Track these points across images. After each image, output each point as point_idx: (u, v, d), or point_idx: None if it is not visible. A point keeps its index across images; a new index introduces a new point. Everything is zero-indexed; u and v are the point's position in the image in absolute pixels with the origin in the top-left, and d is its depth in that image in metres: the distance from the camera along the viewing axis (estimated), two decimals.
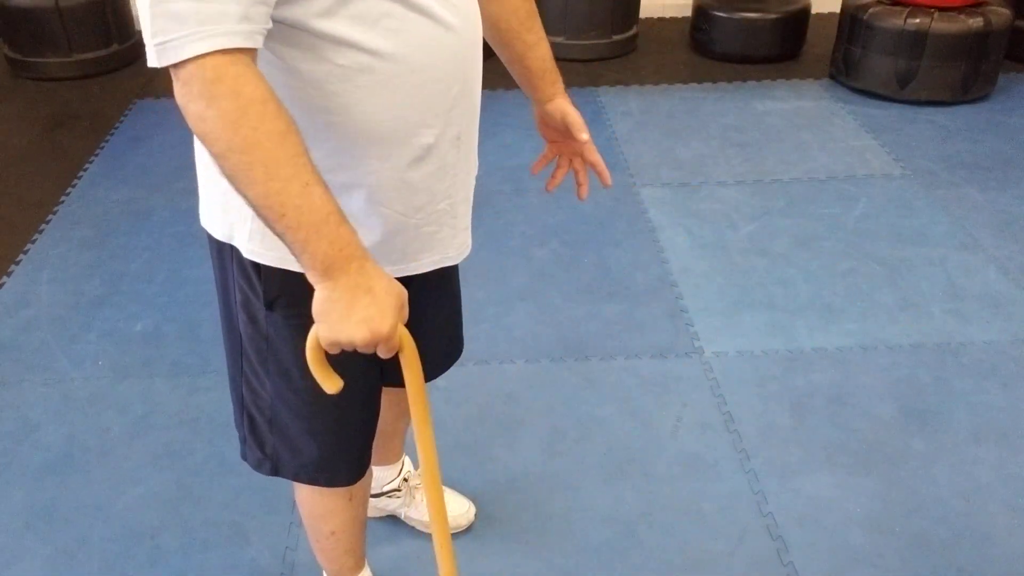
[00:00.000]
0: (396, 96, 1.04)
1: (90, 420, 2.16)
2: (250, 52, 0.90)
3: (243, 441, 1.36)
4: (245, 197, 0.92)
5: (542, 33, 1.36)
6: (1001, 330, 2.44)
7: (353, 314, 0.95)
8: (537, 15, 1.35)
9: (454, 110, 1.12)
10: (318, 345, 1.00)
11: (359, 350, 0.98)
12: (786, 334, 2.44)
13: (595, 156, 1.43)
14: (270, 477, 1.38)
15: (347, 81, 1.00)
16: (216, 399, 2.22)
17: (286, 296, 1.15)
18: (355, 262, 0.95)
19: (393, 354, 1.01)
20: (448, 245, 1.24)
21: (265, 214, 0.92)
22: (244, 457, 1.38)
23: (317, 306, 0.97)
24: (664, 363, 2.34)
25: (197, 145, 1.15)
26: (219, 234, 1.18)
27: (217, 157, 0.90)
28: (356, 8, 0.97)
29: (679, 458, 2.04)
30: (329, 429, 1.31)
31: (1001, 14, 3.73)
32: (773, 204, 3.09)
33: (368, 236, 1.12)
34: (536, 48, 1.35)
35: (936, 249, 2.82)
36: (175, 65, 0.87)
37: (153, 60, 0.88)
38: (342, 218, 0.94)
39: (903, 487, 1.95)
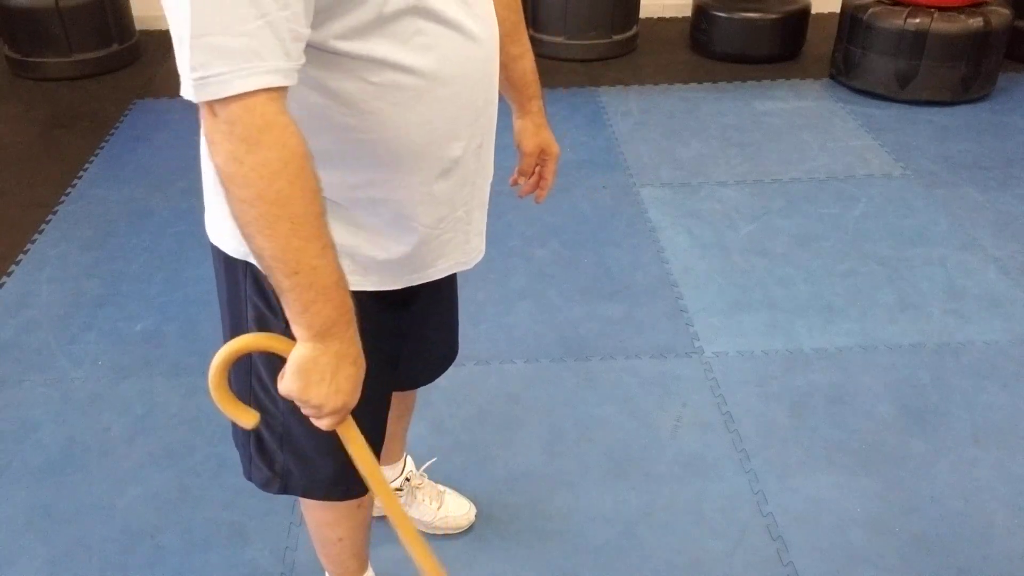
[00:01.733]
0: (429, 111, 1.03)
1: (90, 420, 2.16)
2: (286, 92, 0.87)
3: (248, 460, 1.34)
4: (255, 244, 0.89)
5: (527, 46, 1.36)
6: (1001, 330, 2.44)
7: (333, 382, 0.95)
8: (524, 28, 1.35)
9: (479, 121, 1.12)
10: (222, 381, 0.99)
11: (306, 412, 1.00)
12: (786, 334, 2.44)
13: (548, 176, 1.46)
14: None
15: (380, 99, 0.99)
16: None
17: None
18: (351, 329, 0.94)
19: (334, 426, 1.03)
20: (461, 251, 1.24)
21: (274, 266, 0.89)
22: (249, 477, 1.36)
23: (299, 362, 0.94)
24: (664, 363, 2.33)
25: (206, 161, 1.13)
26: (232, 250, 1.15)
27: (240, 201, 0.87)
28: (390, 27, 0.96)
29: (679, 458, 2.04)
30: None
31: (1001, 14, 3.73)
32: (773, 204, 3.09)
33: (395, 249, 1.13)
34: (519, 61, 1.35)
35: (936, 249, 2.82)
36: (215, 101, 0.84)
37: (190, 94, 0.84)
38: (345, 282, 0.94)
39: (903, 487, 1.95)
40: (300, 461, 1.30)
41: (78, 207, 3.11)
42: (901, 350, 2.37)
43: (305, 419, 1.24)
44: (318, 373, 0.94)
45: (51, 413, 2.19)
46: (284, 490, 1.34)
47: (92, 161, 3.42)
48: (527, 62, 1.36)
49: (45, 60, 4.12)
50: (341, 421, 1.02)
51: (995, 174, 3.27)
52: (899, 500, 1.92)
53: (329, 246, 0.90)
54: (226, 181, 0.86)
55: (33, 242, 2.91)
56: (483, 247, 1.30)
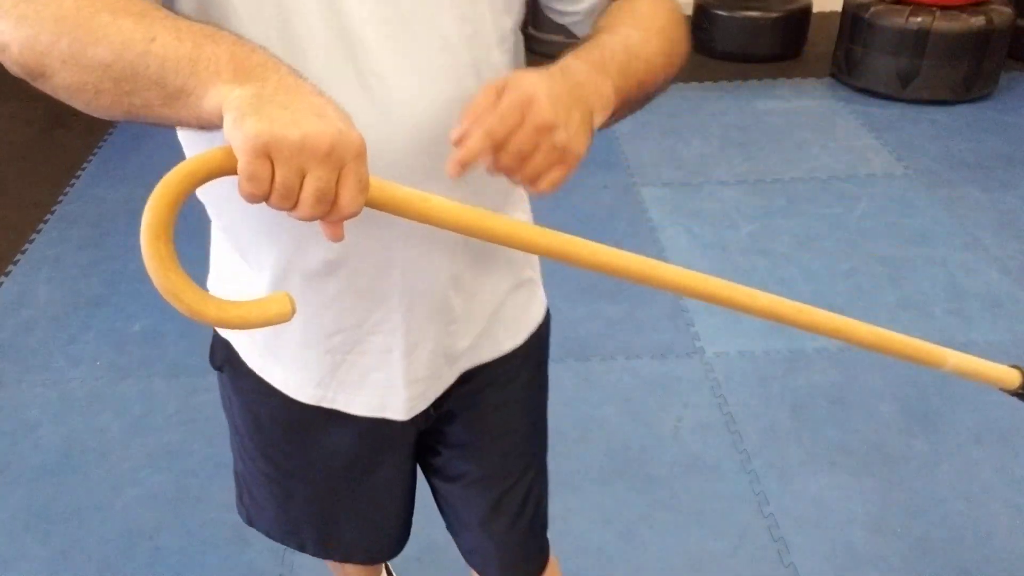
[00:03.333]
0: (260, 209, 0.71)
1: (88, 420, 2.16)
2: None
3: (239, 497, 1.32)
4: (101, 66, 0.65)
5: (624, 32, 0.86)
6: (1003, 330, 2.43)
7: (301, 104, 0.62)
8: (657, 39, 0.87)
9: (384, 229, 0.82)
10: (181, 186, 0.68)
11: (309, 198, 0.63)
12: (787, 334, 2.43)
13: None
14: None
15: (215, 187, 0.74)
16: (215, 399, 2.20)
17: (231, 364, 1.11)
18: (284, 67, 0.65)
19: (358, 198, 0.65)
20: (388, 394, 0.97)
21: (130, 59, 0.63)
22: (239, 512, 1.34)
23: (237, 108, 0.61)
24: (665, 363, 2.33)
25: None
26: None
27: (49, 53, 0.65)
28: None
29: (680, 459, 2.03)
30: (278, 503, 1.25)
31: (1003, 13, 3.72)
32: (774, 204, 3.08)
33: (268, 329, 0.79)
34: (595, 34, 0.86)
35: (938, 249, 2.81)
36: None
37: None
38: (234, 35, 0.66)
39: (904, 488, 1.95)
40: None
41: (76, 207, 3.11)
42: None
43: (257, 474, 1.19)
44: (274, 103, 0.61)
45: (49, 413, 2.18)
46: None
47: (90, 160, 3.42)
48: (604, 37, 0.84)
49: None
50: (359, 177, 0.64)
51: (997, 174, 3.26)
52: (901, 501, 1.91)
53: (181, 17, 0.66)
54: (25, 57, 0.67)
55: (31, 242, 2.90)
56: (426, 403, 1.00)
